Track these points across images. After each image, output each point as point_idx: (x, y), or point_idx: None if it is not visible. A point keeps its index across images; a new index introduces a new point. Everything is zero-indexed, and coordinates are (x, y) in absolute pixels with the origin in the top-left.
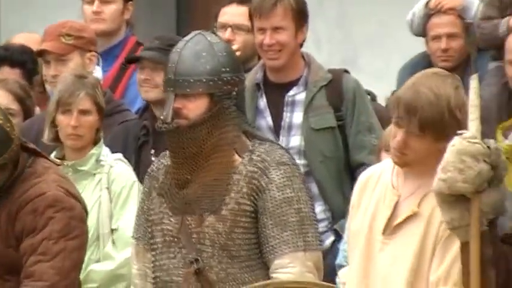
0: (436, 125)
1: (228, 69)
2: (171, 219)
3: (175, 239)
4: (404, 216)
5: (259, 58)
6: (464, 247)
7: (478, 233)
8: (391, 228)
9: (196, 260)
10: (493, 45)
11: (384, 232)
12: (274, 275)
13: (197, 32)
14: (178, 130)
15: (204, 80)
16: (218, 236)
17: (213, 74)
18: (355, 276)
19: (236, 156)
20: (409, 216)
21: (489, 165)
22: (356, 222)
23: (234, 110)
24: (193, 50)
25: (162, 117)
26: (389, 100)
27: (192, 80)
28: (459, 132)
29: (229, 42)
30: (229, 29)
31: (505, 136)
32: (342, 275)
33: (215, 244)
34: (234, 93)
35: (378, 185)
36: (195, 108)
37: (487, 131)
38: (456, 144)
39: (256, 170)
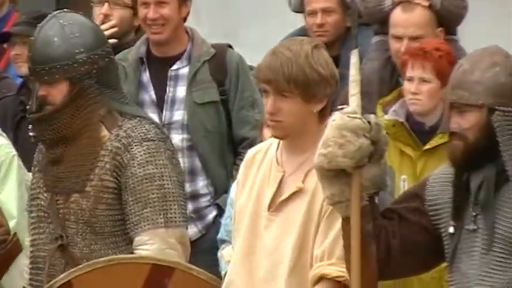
0: (300, 81)
1: (82, 49)
2: (44, 194)
3: (45, 215)
4: (289, 192)
5: (136, 33)
6: (345, 222)
7: (358, 208)
8: (276, 204)
9: (61, 236)
10: (377, 19)
11: (269, 209)
12: (136, 252)
13: (52, 14)
14: (43, 117)
15: (59, 66)
16: (82, 213)
17: (66, 58)
18: (240, 253)
19: (105, 132)
20: (294, 192)
21: (369, 140)
22: (242, 199)
23: (96, 88)
24: (46, 36)
25: (28, 107)
26: (253, 74)
27: (47, 68)
28: (340, 107)
29: (106, 17)
30: (106, 4)
31: (385, 111)
32: (226, 254)
33: (79, 220)
34: (94, 71)
35: (264, 161)
36: (58, 93)
37: (368, 106)
38: (336, 119)
39: (120, 146)
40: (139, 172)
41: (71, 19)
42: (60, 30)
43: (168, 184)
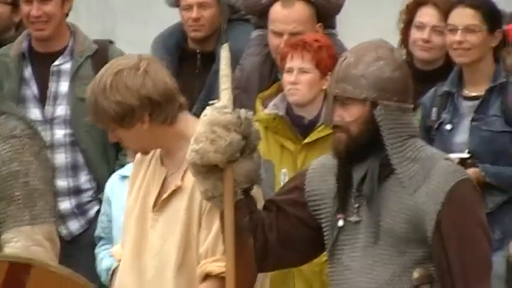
0: (104, 121)
1: None
2: None
3: None
4: (170, 191)
5: (17, 29)
6: (222, 216)
7: (231, 202)
8: (159, 204)
9: None
10: (255, 11)
11: (154, 208)
12: (3, 250)
13: None
14: None
15: None
16: None
17: None
18: (130, 254)
19: None
20: (174, 190)
21: (240, 135)
22: (130, 199)
23: None
24: None
25: None
26: None
27: None
28: (211, 102)
29: None
30: None
31: (265, 105)
32: (116, 253)
33: None
34: None
35: (152, 162)
36: None
37: (248, 102)
38: (208, 114)
39: None
40: (4, 170)
41: None
42: None
43: (33, 181)
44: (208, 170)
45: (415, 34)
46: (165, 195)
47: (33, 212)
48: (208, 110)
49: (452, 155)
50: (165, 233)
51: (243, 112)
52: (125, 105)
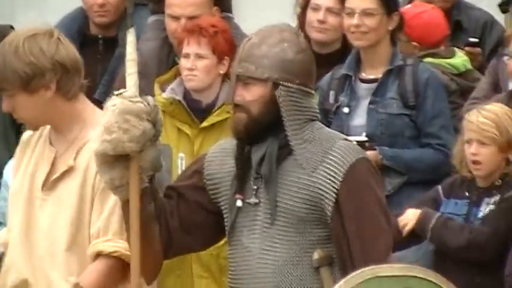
0: (10, 80)
1: None
2: None
3: None
4: (60, 171)
5: None
6: (126, 206)
7: (137, 190)
8: (49, 184)
9: None
10: None
11: (43, 188)
12: None
13: None
14: None
15: None
16: None
17: None
18: (19, 234)
19: None
20: (66, 170)
21: (151, 123)
22: (16, 181)
23: None
24: None
25: None
26: None
27: None
28: (116, 92)
29: None
30: None
31: (163, 90)
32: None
33: None
34: None
35: (39, 143)
36: None
37: (146, 87)
38: (117, 104)
39: None
40: None
41: None
42: None
43: None
44: (115, 160)
45: (310, 16)
46: (56, 175)
47: None
48: (117, 100)
49: (350, 138)
50: (55, 213)
51: (151, 99)
52: (37, 67)
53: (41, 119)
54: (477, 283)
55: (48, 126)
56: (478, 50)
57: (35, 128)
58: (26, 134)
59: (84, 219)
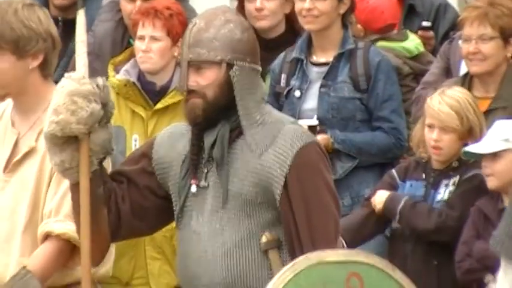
0: (7, 37)
1: None
2: None
3: None
4: (22, 152)
5: None
6: (75, 188)
7: (87, 173)
8: (11, 166)
9: None
10: None
11: (5, 170)
12: None
13: None
14: None
15: None
16: None
17: None
18: None
19: None
20: (27, 152)
21: (100, 105)
22: None
23: None
24: None
25: None
26: None
27: None
28: (67, 75)
29: None
30: None
31: (117, 71)
32: None
33: None
34: None
35: (1, 124)
36: None
37: (101, 69)
38: (66, 85)
39: None
40: None
41: None
42: None
43: None
44: (65, 141)
45: (248, 6)
46: (17, 157)
47: None
48: (65, 81)
49: (301, 122)
50: (17, 195)
51: (100, 80)
52: (34, 32)
53: (13, 88)
54: (434, 265)
55: (8, 108)
56: (431, 34)
57: (2, 96)
58: None
59: (39, 200)
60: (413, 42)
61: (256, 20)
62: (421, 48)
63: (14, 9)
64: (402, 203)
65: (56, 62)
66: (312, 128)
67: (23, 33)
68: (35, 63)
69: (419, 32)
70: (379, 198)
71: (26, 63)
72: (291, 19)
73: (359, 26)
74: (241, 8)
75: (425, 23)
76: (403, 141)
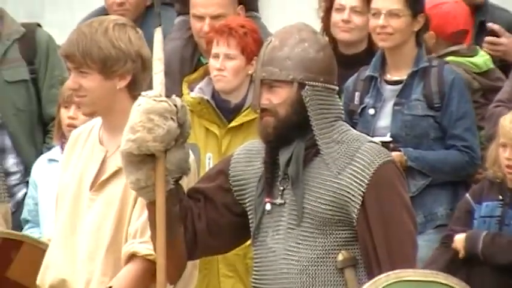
0: (95, 56)
1: None
2: None
3: None
4: (110, 172)
5: None
6: (151, 206)
7: (163, 191)
8: (98, 184)
9: None
10: None
11: (91, 188)
12: None
13: None
14: None
15: None
16: None
17: None
18: (62, 233)
19: None
20: (115, 171)
21: (177, 123)
22: (64, 179)
23: None
24: None
25: None
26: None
27: None
28: (143, 93)
29: None
30: None
31: (191, 89)
32: (48, 235)
33: None
34: None
35: (88, 141)
36: None
37: (170, 86)
38: (142, 103)
39: None
40: None
41: None
42: None
43: None
44: (141, 160)
45: (335, 17)
46: (105, 176)
47: None
48: (142, 99)
49: (374, 139)
50: (103, 214)
51: (178, 100)
52: (123, 53)
53: (101, 107)
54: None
55: (97, 126)
56: (499, 40)
57: (89, 114)
58: (74, 133)
59: (124, 220)
60: (482, 58)
61: (340, 31)
62: (490, 65)
63: (104, 28)
64: (481, 243)
65: (146, 82)
66: (385, 145)
67: (111, 54)
68: (123, 83)
69: (486, 39)
70: (459, 242)
71: (113, 83)
72: (371, 38)
73: (431, 32)
74: (326, 19)
75: (491, 25)
76: (477, 160)
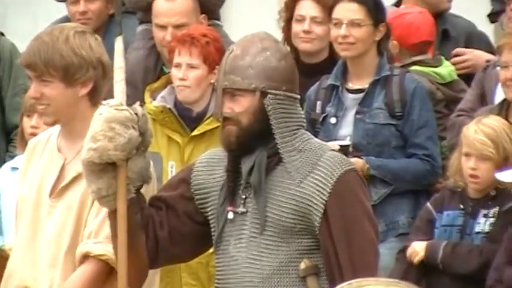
0: (57, 65)
1: None
2: None
3: None
4: (69, 178)
5: None
6: (112, 215)
7: (124, 201)
8: (57, 191)
9: None
10: (141, 7)
11: (51, 195)
12: None
13: None
14: None
15: None
16: None
17: None
18: (23, 242)
19: None
20: (74, 177)
21: (138, 132)
22: (23, 188)
23: None
24: None
25: None
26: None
27: None
28: (105, 102)
29: None
30: None
31: (153, 98)
32: (9, 243)
33: None
34: None
35: (46, 149)
36: None
37: (133, 95)
38: (103, 112)
39: None
40: None
41: None
42: None
43: None
44: (102, 169)
45: (296, 27)
46: (64, 182)
47: None
48: (103, 108)
49: (333, 143)
50: (63, 220)
51: (139, 109)
52: (84, 60)
53: (62, 115)
54: None
55: (55, 134)
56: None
57: (52, 124)
58: (32, 142)
59: (81, 223)
60: (446, 69)
61: (301, 41)
62: (454, 76)
63: (65, 36)
64: (441, 252)
65: (106, 89)
66: (344, 148)
67: (73, 61)
68: (84, 91)
69: (452, 60)
70: (419, 247)
71: (75, 91)
72: (332, 47)
73: (394, 41)
74: (287, 30)
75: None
76: (438, 168)
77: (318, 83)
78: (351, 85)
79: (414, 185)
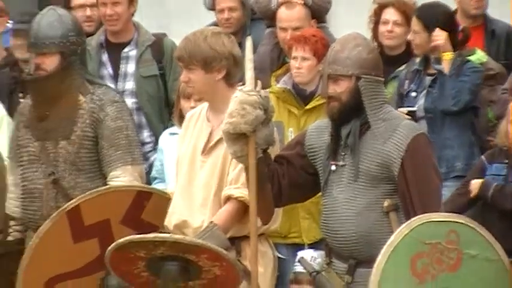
0: (198, 57)
1: (73, 33)
2: (35, 143)
3: (36, 158)
4: (215, 140)
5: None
6: (247, 169)
7: (254, 160)
8: (207, 149)
9: (53, 173)
10: (267, 15)
11: (203, 152)
12: (110, 183)
13: (50, 7)
14: (38, 79)
15: (56, 42)
16: (68, 155)
17: (62, 37)
18: (183, 187)
19: (81, 97)
20: (218, 140)
21: (263, 110)
22: (183, 148)
23: (78, 63)
24: (48, 20)
25: (26, 70)
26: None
27: (47, 43)
28: (239, 87)
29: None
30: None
31: (277, 81)
32: (171, 189)
33: (66, 161)
34: (78, 50)
35: (199, 120)
36: (51, 63)
37: (263, 79)
38: (238, 95)
39: (95, 106)
40: (112, 125)
41: (63, 12)
42: (58, 18)
43: (131, 133)
44: (236, 137)
45: (381, 28)
46: (211, 143)
47: (134, 156)
48: (238, 92)
49: (405, 109)
50: (211, 171)
51: (263, 92)
52: (219, 54)
53: (205, 94)
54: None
55: (204, 108)
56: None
57: (198, 98)
58: (189, 114)
59: (225, 174)
60: (479, 55)
61: (386, 39)
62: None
63: (204, 36)
64: (491, 190)
65: (239, 75)
66: (411, 113)
67: (210, 55)
68: (220, 75)
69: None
70: (475, 184)
71: (212, 76)
72: (409, 43)
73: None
74: (375, 30)
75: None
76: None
77: (406, 66)
78: (430, 71)
79: None
